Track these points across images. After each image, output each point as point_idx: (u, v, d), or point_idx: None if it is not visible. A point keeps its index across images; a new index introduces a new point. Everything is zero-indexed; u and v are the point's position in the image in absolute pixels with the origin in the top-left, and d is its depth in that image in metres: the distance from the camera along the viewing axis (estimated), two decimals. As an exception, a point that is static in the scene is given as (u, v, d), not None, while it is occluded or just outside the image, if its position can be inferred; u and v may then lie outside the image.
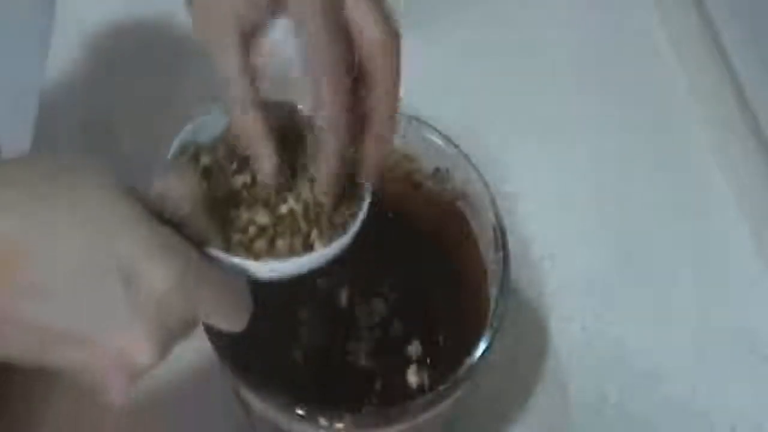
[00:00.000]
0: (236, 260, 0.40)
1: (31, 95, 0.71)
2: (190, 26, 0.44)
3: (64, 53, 0.73)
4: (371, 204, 0.45)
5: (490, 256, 0.52)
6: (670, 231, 0.67)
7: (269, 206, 0.43)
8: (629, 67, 0.76)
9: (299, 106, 0.45)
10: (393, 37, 0.42)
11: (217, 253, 0.39)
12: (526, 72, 0.75)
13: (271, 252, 0.42)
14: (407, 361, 0.55)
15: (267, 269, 0.41)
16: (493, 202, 0.52)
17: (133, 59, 0.74)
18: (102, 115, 0.71)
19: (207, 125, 0.44)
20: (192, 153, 0.43)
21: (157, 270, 0.35)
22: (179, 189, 0.38)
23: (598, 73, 0.76)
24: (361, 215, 0.45)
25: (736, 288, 0.65)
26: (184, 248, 0.36)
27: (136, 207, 0.36)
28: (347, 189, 0.45)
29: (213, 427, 0.57)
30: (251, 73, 0.41)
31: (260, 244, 0.41)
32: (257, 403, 0.46)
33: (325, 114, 0.41)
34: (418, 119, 0.55)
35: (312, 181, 0.44)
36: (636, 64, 0.77)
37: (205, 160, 0.42)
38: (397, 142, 0.56)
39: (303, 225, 0.43)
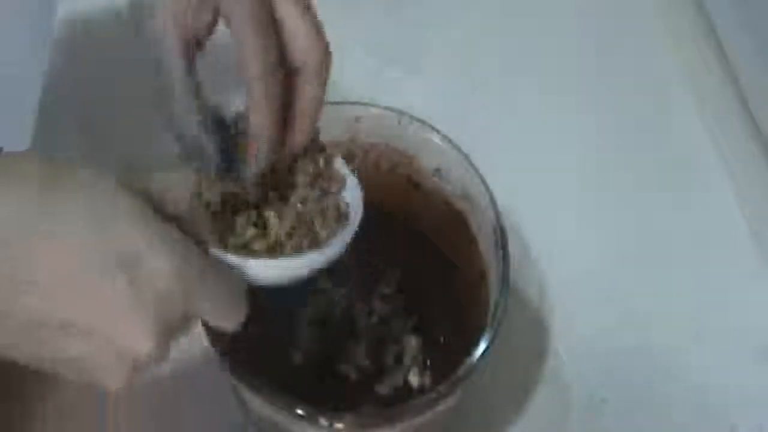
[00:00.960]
0: (235, 259, 0.40)
1: (31, 95, 0.71)
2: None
3: (64, 53, 0.73)
4: (366, 204, 0.45)
5: (490, 256, 0.53)
6: (670, 231, 0.67)
7: (269, 208, 0.43)
8: (629, 67, 0.76)
9: None
10: (324, 49, 0.44)
11: (216, 251, 0.39)
12: (526, 72, 0.75)
13: (272, 253, 0.42)
14: (407, 361, 0.55)
15: (265, 268, 0.41)
16: (493, 201, 0.52)
17: (133, 59, 0.74)
18: (102, 116, 0.70)
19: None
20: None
21: (158, 262, 0.35)
22: (179, 186, 0.39)
23: (597, 72, 0.76)
24: (359, 213, 0.45)
25: (736, 288, 0.65)
26: (185, 242, 0.37)
27: (137, 200, 0.36)
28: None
29: (213, 427, 0.57)
30: (194, 76, 0.43)
31: (259, 244, 0.42)
32: (257, 403, 0.46)
33: (256, 117, 0.42)
34: (418, 119, 0.55)
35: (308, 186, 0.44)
36: (636, 63, 0.77)
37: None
38: (398, 142, 0.56)
39: (302, 227, 0.43)
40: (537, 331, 0.62)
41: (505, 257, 0.50)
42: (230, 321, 0.40)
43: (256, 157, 0.43)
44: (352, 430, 0.46)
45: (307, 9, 0.43)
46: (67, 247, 0.35)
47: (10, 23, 0.81)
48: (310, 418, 0.45)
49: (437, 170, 0.56)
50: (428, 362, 0.55)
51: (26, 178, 0.35)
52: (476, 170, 0.53)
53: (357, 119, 0.55)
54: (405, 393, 0.54)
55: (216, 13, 0.43)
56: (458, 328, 0.55)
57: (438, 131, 0.55)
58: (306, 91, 0.44)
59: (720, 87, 0.70)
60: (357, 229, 0.45)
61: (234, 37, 0.42)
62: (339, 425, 0.45)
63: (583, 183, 0.70)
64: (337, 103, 0.55)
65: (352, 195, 0.47)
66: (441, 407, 0.47)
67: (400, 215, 0.59)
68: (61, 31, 0.75)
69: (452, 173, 0.55)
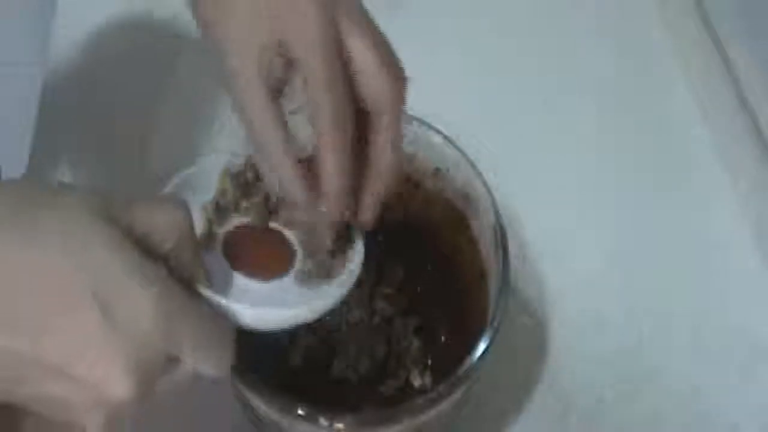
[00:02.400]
0: (222, 302, 0.39)
1: (31, 96, 0.71)
2: (190, 26, 0.45)
3: (64, 53, 0.73)
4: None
5: (490, 256, 0.53)
6: (670, 231, 0.67)
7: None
8: (629, 67, 0.76)
9: None
10: (401, 83, 0.43)
11: (203, 291, 0.38)
12: (525, 73, 0.75)
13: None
14: (408, 362, 0.55)
15: (251, 315, 0.40)
16: (493, 202, 0.52)
17: (133, 59, 0.74)
18: (102, 116, 0.70)
19: (195, 177, 0.45)
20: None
21: (136, 299, 0.33)
22: (165, 223, 0.36)
23: (597, 72, 0.76)
24: (356, 273, 0.46)
25: (736, 288, 0.65)
26: (166, 281, 0.35)
27: (117, 234, 0.34)
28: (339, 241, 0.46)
29: (213, 426, 0.57)
30: (283, 126, 0.42)
31: None
32: (258, 403, 0.46)
33: (326, 183, 0.42)
34: (418, 119, 0.55)
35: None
36: (636, 64, 0.77)
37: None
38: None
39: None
40: (537, 331, 0.62)
41: (505, 257, 0.50)
42: (215, 366, 0.37)
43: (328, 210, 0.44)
44: (353, 430, 0.46)
45: (378, 42, 0.42)
46: (40, 276, 0.33)
47: (10, 24, 0.81)
48: (310, 418, 0.45)
49: (437, 170, 0.56)
50: (429, 362, 0.55)
51: (3, 206, 0.34)
52: (476, 170, 0.53)
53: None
54: (405, 393, 0.54)
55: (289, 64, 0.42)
56: (458, 328, 0.55)
57: (438, 131, 0.55)
58: (378, 144, 0.44)
59: (720, 87, 0.70)
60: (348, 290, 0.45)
61: (308, 94, 0.41)
62: (339, 425, 0.45)
63: (584, 183, 0.70)
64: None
65: (356, 257, 0.47)
66: (441, 407, 0.47)
67: (400, 215, 0.59)
68: (62, 31, 0.75)
69: (452, 173, 0.55)
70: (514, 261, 0.51)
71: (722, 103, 0.70)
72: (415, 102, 0.57)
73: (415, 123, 0.55)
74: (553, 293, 0.64)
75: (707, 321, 0.63)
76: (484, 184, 0.52)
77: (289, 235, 0.46)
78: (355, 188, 0.45)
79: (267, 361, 0.50)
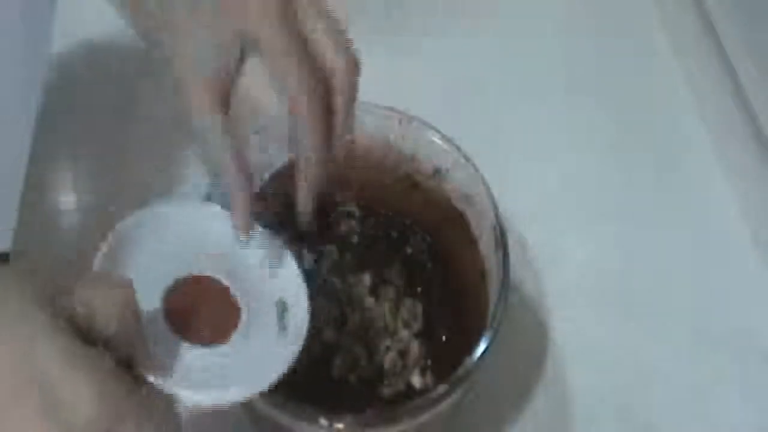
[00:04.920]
0: (167, 387, 0.38)
1: (31, 96, 0.71)
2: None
3: (64, 54, 0.73)
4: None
5: (490, 256, 0.53)
6: (669, 230, 0.67)
7: None
8: (629, 67, 0.76)
9: None
10: (355, 67, 0.45)
11: (147, 375, 0.38)
12: (525, 72, 0.75)
13: None
14: (409, 363, 0.55)
15: (194, 400, 0.39)
16: (493, 202, 0.52)
17: (133, 61, 0.74)
18: (103, 117, 0.70)
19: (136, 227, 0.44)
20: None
21: (77, 388, 0.33)
22: (107, 306, 0.35)
23: (597, 72, 0.76)
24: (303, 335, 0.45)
25: (736, 288, 0.65)
26: (108, 365, 0.34)
27: (58, 323, 0.34)
28: None
29: (213, 426, 0.57)
30: (231, 130, 0.44)
31: None
32: (258, 403, 0.46)
33: (313, 137, 0.44)
34: (418, 119, 0.55)
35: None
36: (636, 64, 0.77)
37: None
38: (398, 141, 0.56)
39: None
40: (537, 331, 0.62)
41: (505, 257, 0.50)
42: None
43: (307, 181, 0.45)
44: (353, 430, 0.46)
45: (334, 26, 0.44)
46: None
47: (10, 25, 0.80)
48: (310, 418, 0.45)
49: (437, 170, 0.56)
50: (429, 362, 0.55)
51: None
52: (477, 170, 0.53)
53: (357, 119, 0.55)
54: (405, 393, 0.54)
55: (244, 54, 0.44)
56: (458, 328, 0.55)
57: (438, 131, 0.55)
58: (338, 102, 0.45)
59: (720, 87, 0.70)
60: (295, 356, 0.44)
61: (274, 73, 0.43)
62: (339, 425, 0.45)
63: (584, 183, 0.70)
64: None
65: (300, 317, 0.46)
66: (441, 407, 0.47)
67: (400, 215, 0.59)
68: (62, 34, 0.74)
69: (452, 173, 0.55)
70: (514, 261, 0.51)
71: (722, 103, 0.70)
72: (416, 102, 0.57)
73: (415, 123, 0.55)
74: (553, 293, 0.64)
75: (707, 321, 0.63)
76: (485, 184, 0.52)
77: (233, 289, 0.45)
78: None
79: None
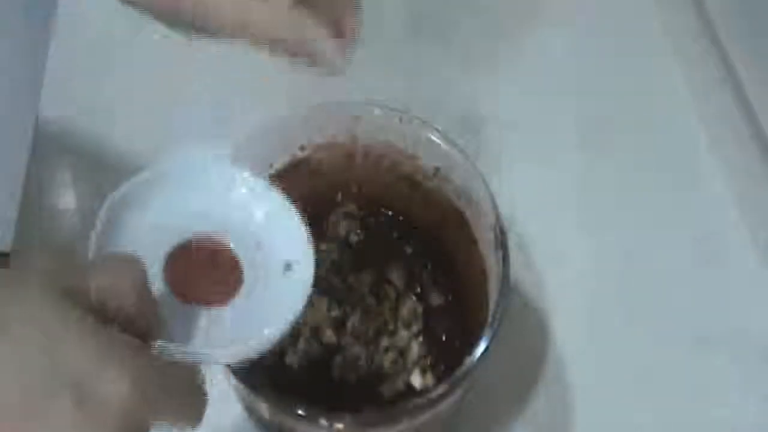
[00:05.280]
0: (190, 349, 0.38)
1: (31, 97, 0.71)
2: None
3: (65, 55, 0.73)
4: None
5: (490, 256, 0.53)
6: (669, 230, 0.67)
7: None
8: (628, 67, 0.76)
9: None
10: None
11: (169, 344, 0.37)
12: (524, 72, 0.75)
13: None
14: (409, 363, 0.55)
15: (221, 358, 0.40)
16: (493, 202, 0.52)
17: (133, 61, 0.74)
18: (103, 117, 0.70)
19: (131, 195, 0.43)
20: None
21: (111, 385, 0.33)
22: (122, 278, 0.35)
23: (597, 73, 0.75)
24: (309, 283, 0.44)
25: (735, 288, 0.65)
26: (137, 353, 0.34)
27: (77, 313, 0.33)
28: None
29: (213, 426, 0.57)
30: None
31: None
32: (258, 403, 0.46)
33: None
34: (418, 119, 0.55)
35: None
36: (635, 63, 0.77)
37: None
38: (398, 141, 0.56)
39: None
40: (537, 331, 0.62)
41: (505, 257, 0.50)
42: (190, 420, 0.38)
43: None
44: (353, 430, 0.46)
45: None
46: (20, 371, 0.32)
47: (10, 25, 0.80)
48: (310, 418, 0.45)
49: (437, 170, 0.56)
50: (429, 362, 0.55)
51: None
52: (477, 170, 0.53)
53: (357, 119, 0.55)
54: (405, 393, 0.54)
55: None
56: (458, 328, 0.55)
57: (438, 131, 0.55)
58: None
59: (720, 87, 0.70)
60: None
61: None
62: (339, 425, 0.45)
63: (584, 183, 0.70)
64: (337, 102, 0.55)
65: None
66: (441, 407, 0.47)
67: (400, 215, 0.59)
68: (62, 34, 0.74)
69: (452, 173, 0.55)
70: (514, 261, 0.51)
71: (722, 103, 0.70)
72: (416, 102, 0.57)
73: (415, 122, 0.55)
74: (553, 293, 0.64)
75: (707, 321, 0.63)
76: (485, 184, 0.52)
77: (235, 246, 0.44)
78: None
79: (267, 361, 0.50)
